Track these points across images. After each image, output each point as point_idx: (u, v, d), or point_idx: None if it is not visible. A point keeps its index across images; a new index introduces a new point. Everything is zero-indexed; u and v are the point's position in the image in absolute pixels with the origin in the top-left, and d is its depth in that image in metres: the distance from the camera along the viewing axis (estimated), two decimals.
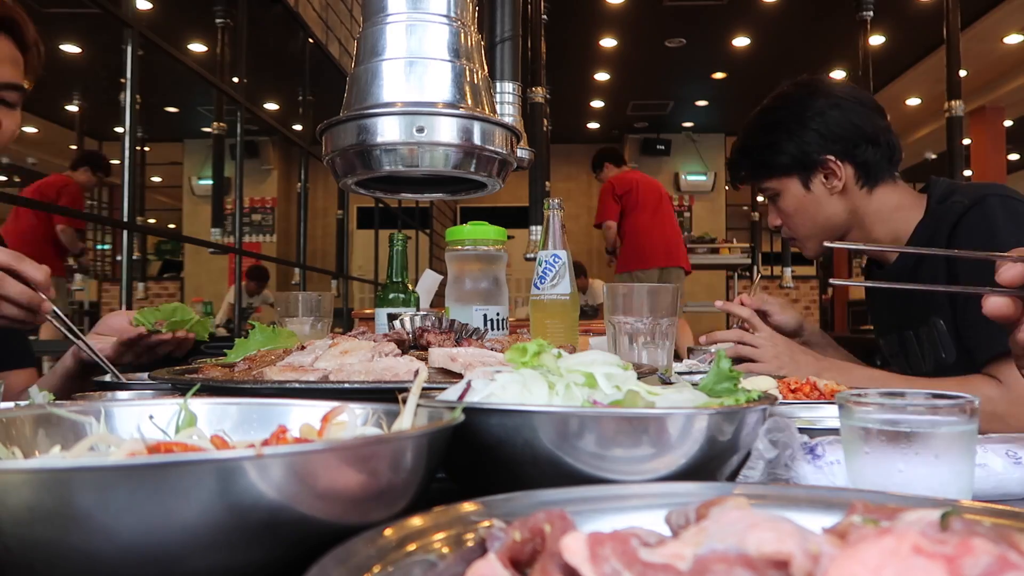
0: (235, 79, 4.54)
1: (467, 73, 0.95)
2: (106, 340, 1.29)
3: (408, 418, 0.54)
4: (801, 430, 0.67)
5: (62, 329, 1.16)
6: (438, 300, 1.32)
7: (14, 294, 1.06)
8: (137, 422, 0.60)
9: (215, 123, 5.14)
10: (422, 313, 1.15)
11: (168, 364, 1.15)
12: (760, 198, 10.69)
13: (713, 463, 0.57)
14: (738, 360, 1.47)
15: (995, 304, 0.76)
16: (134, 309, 1.30)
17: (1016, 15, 6.94)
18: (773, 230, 1.62)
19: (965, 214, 1.36)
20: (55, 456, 0.54)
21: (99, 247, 10.51)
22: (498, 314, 1.27)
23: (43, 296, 1.08)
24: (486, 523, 0.39)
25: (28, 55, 1.30)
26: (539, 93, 3.50)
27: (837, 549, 0.30)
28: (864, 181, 1.50)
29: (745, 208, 11.19)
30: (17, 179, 10.93)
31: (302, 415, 0.60)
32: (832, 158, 1.48)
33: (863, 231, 1.53)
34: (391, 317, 1.08)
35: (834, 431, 0.71)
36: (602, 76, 9.30)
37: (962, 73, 3.88)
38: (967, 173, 5.53)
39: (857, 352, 1.66)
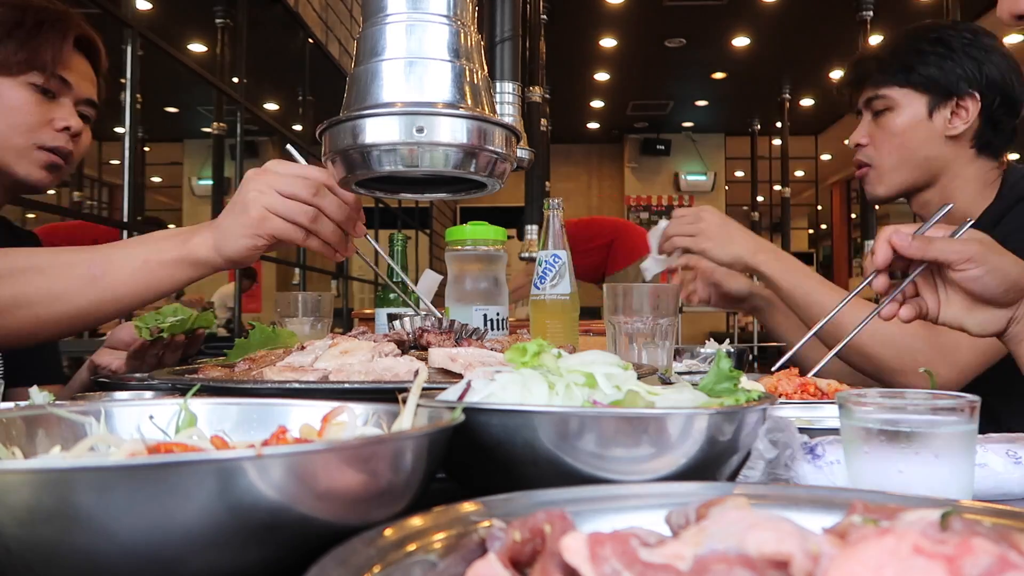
0: (235, 79, 4.54)
1: (467, 73, 0.95)
2: (117, 355, 1.31)
3: (408, 418, 0.54)
4: (801, 430, 0.67)
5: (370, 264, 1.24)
6: (438, 300, 1.32)
7: (333, 210, 0.99)
8: (137, 422, 0.60)
9: (215, 123, 5.14)
10: (422, 313, 1.15)
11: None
12: (755, 203, 10.69)
13: (713, 463, 0.57)
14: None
15: (890, 312, 0.87)
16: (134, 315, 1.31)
17: None
18: (852, 147, 1.51)
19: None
20: (55, 456, 0.54)
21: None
22: (498, 314, 1.27)
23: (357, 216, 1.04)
24: (486, 523, 0.39)
25: (99, 79, 1.40)
26: (538, 93, 3.50)
27: (837, 549, 0.30)
28: (977, 141, 1.41)
29: (745, 208, 11.19)
30: None
31: (302, 415, 0.60)
32: (976, 95, 1.38)
33: (943, 195, 1.42)
34: (391, 317, 1.08)
35: (834, 431, 0.71)
36: (602, 76, 9.30)
37: None
38: None
39: None
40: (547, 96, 3.61)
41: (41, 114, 1.29)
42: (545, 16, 3.72)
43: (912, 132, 1.42)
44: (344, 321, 5.41)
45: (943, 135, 1.41)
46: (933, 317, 0.98)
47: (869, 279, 0.98)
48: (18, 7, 1.27)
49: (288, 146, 1.10)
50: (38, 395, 0.74)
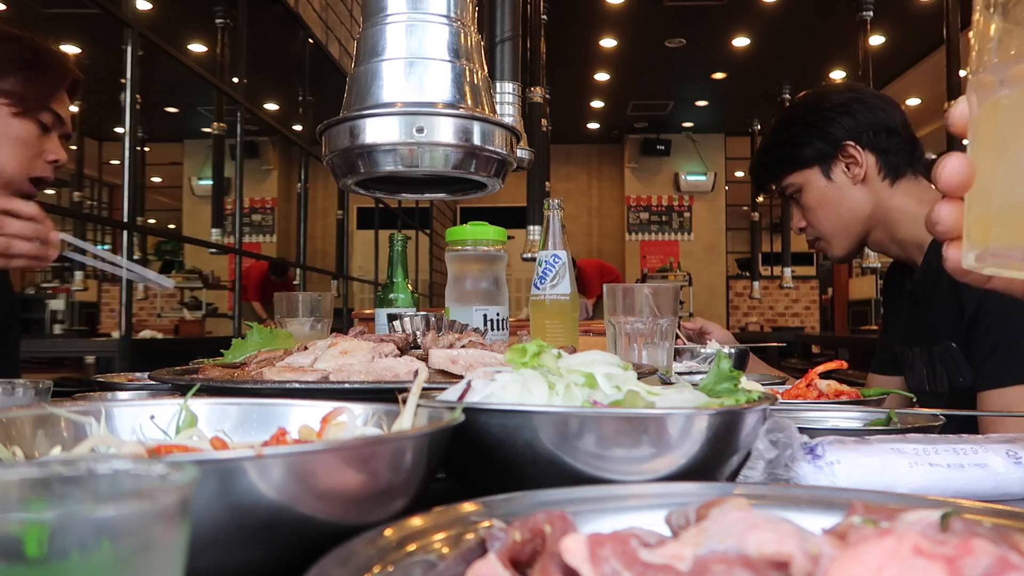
0: (235, 79, 4.54)
1: (467, 73, 0.95)
2: None
3: (408, 418, 0.54)
4: (801, 430, 0.67)
5: (78, 256, 1.28)
6: (438, 300, 1.33)
7: (18, 230, 1.13)
8: (138, 422, 0.60)
9: (215, 123, 5.14)
10: (422, 314, 1.15)
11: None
12: (755, 203, 10.71)
13: (713, 463, 0.57)
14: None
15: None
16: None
17: None
18: (798, 233, 1.63)
19: None
20: (55, 456, 0.54)
21: (99, 247, 10.51)
22: (498, 314, 1.27)
23: (49, 226, 1.16)
24: (486, 523, 0.39)
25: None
26: (538, 93, 3.50)
27: (837, 550, 0.30)
28: (886, 172, 1.48)
29: (745, 208, 11.19)
30: None
31: (302, 416, 0.60)
32: (852, 143, 1.48)
33: (887, 230, 1.50)
34: (391, 317, 1.08)
35: (834, 431, 0.71)
36: (602, 76, 9.30)
37: (962, 73, 3.88)
38: None
39: (857, 353, 1.66)
40: (547, 96, 3.60)
41: (38, 147, 1.36)
42: (545, 16, 3.71)
43: (826, 198, 1.52)
44: (344, 321, 5.42)
45: (852, 185, 1.50)
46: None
47: None
48: (30, 48, 1.34)
49: None
50: None
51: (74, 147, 8.48)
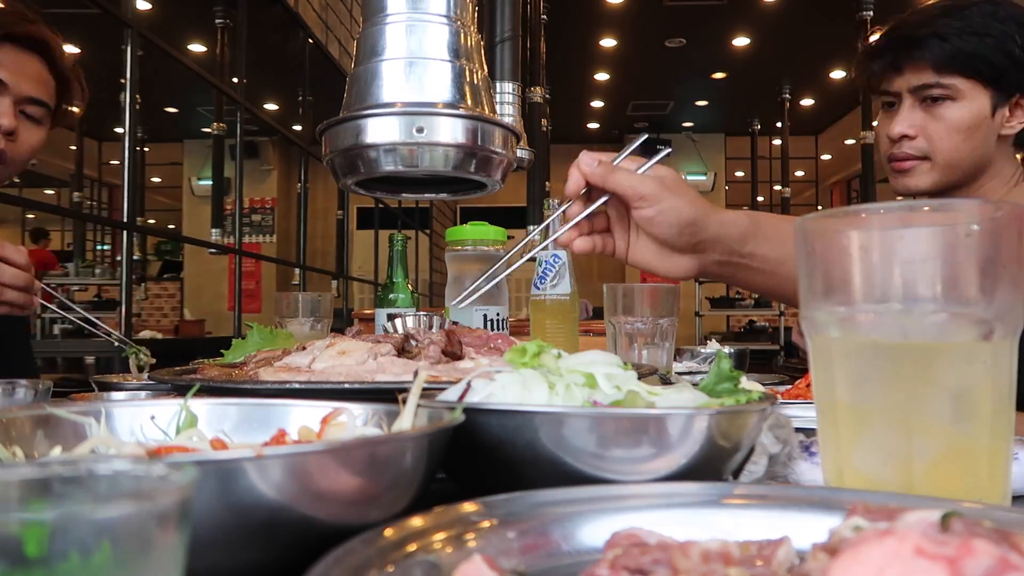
0: (235, 79, 4.54)
1: (467, 73, 0.95)
2: None
3: (408, 418, 0.54)
4: (800, 430, 0.67)
5: (54, 306, 1.30)
6: (438, 300, 1.33)
7: (9, 278, 1.13)
8: (139, 423, 0.60)
9: (215, 123, 5.15)
10: (422, 314, 1.15)
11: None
12: (755, 203, 10.68)
13: (714, 463, 0.57)
14: None
15: (567, 239, 0.90)
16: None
17: None
18: (895, 137, 1.33)
19: None
20: (55, 457, 0.54)
21: (99, 247, 10.51)
22: (498, 314, 1.27)
23: (32, 274, 1.17)
24: (486, 523, 0.39)
25: (60, 80, 1.36)
26: (538, 93, 3.50)
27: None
28: (1021, 138, 1.33)
29: (745, 208, 11.18)
30: (16, 179, 10.91)
31: (302, 416, 0.59)
32: None
33: (971, 195, 1.32)
34: (391, 317, 1.08)
35: None
36: (602, 76, 9.31)
37: None
38: None
39: None
40: (547, 96, 3.61)
41: None
42: (545, 16, 3.72)
43: (975, 129, 1.29)
44: (344, 322, 5.42)
45: (998, 132, 1.31)
46: (621, 256, 0.93)
47: (563, 208, 0.92)
48: None
49: None
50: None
51: (74, 147, 8.48)
